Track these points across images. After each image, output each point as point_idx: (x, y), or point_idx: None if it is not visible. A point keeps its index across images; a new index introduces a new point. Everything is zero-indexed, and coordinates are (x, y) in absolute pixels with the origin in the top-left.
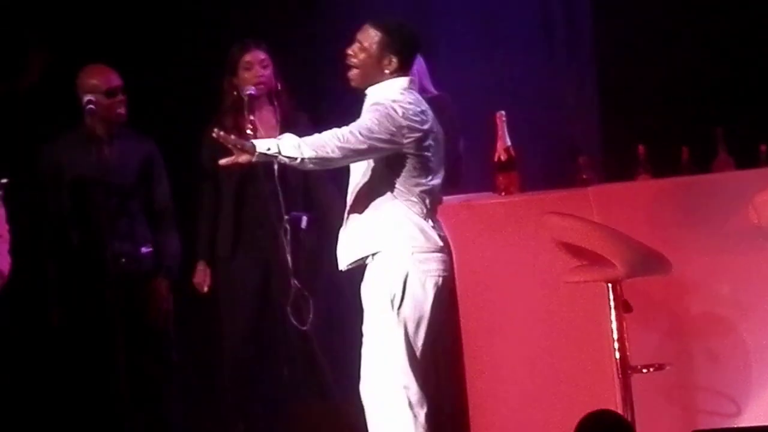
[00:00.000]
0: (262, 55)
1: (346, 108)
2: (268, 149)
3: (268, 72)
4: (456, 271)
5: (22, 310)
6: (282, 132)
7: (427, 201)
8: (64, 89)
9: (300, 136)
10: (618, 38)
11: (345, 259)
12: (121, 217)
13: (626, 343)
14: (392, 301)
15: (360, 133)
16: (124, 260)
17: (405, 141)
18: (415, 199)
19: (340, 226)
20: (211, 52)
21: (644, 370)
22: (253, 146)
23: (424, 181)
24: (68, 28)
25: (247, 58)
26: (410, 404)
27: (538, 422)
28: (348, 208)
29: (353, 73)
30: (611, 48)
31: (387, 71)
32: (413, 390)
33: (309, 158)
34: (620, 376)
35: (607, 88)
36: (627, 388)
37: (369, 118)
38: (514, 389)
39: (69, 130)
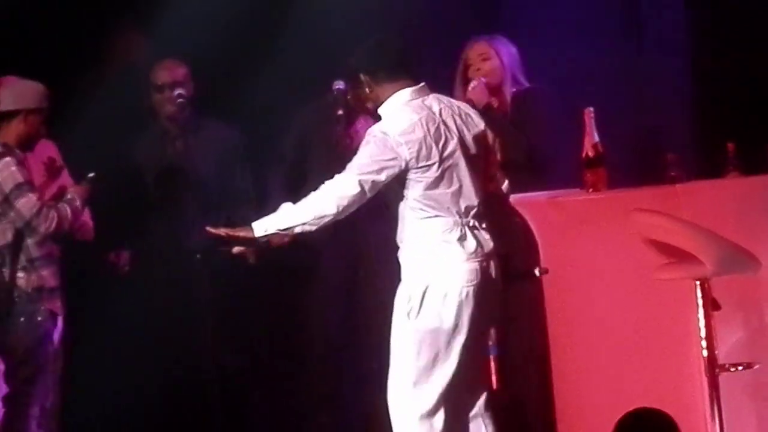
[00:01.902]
0: None
1: None
2: (266, 230)
3: None
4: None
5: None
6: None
7: (454, 208)
8: None
9: None
10: (711, 32)
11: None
12: (196, 211)
13: (714, 342)
14: (409, 313)
15: (349, 176)
16: (198, 256)
17: (408, 157)
18: (434, 210)
19: None
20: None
21: (732, 369)
22: (252, 232)
23: (446, 190)
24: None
25: None
26: (421, 415)
27: None
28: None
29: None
30: (704, 42)
31: (368, 90)
32: (423, 402)
33: (311, 218)
34: (708, 374)
35: (699, 84)
36: (714, 386)
37: (359, 155)
38: (600, 386)
39: (147, 125)
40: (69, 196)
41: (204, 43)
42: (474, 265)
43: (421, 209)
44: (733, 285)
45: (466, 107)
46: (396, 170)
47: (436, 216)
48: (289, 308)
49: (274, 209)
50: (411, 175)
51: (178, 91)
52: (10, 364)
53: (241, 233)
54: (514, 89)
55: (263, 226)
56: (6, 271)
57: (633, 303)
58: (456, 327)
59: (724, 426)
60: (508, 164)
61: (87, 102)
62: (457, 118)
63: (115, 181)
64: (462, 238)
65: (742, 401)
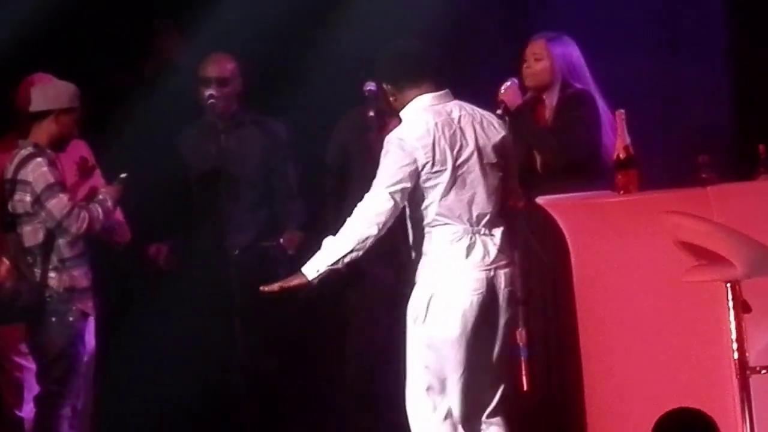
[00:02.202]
0: None
1: None
2: (318, 271)
3: None
4: (574, 267)
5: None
6: None
7: (465, 216)
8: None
9: None
10: (747, 32)
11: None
12: (239, 208)
13: (744, 344)
14: (416, 320)
15: (379, 192)
16: (237, 252)
17: (423, 161)
18: (445, 217)
19: None
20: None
21: (763, 371)
22: (305, 277)
23: (458, 196)
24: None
25: None
26: (436, 420)
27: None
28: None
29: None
30: (739, 43)
31: (391, 98)
32: (438, 407)
33: (356, 245)
34: (738, 376)
35: (733, 86)
36: (745, 388)
37: (382, 166)
38: (631, 388)
39: (194, 120)
40: (101, 197)
41: (252, 38)
42: (480, 274)
43: (433, 216)
44: (764, 287)
45: (490, 116)
46: (416, 174)
47: (446, 224)
48: (328, 308)
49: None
50: (424, 180)
51: (209, 92)
52: (41, 364)
53: (295, 282)
54: (562, 92)
55: (314, 267)
56: (37, 272)
57: (664, 305)
58: (460, 335)
59: (755, 428)
60: (541, 167)
61: (128, 102)
62: (477, 126)
63: (161, 175)
64: (471, 247)
65: None
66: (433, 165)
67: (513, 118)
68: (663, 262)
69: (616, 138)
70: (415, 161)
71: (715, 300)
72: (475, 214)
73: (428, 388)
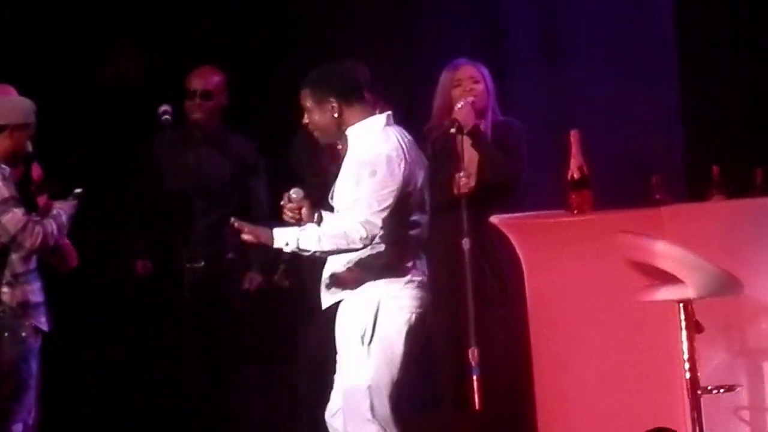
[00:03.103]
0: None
1: None
2: (286, 244)
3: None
4: (527, 286)
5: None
6: None
7: (407, 238)
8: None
9: None
10: (699, 54)
11: (325, 300)
12: (204, 221)
13: (696, 364)
14: (362, 337)
15: (371, 217)
16: (203, 263)
17: (401, 179)
18: (392, 238)
19: None
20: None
21: (714, 391)
22: (272, 239)
23: (406, 218)
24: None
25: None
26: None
27: None
28: None
29: (317, 135)
30: (691, 64)
31: (336, 114)
32: (384, 416)
33: (330, 250)
34: (690, 396)
35: (685, 106)
36: (697, 408)
37: (369, 191)
38: (583, 406)
39: (173, 128)
40: (55, 212)
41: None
42: (420, 293)
43: (387, 235)
44: (716, 307)
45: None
46: (399, 196)
47: (390, 243)
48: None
49: None
50: (397, 201)
51: (164, 108)
52: None
53: (263, 237)
54: (493, 119)
55: (284, 240)
56: None
57: (617, 324)
58: (407, 347)
59: None
60: (491, 186)
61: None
62: (414, 152)
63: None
64: (411, 266)
65: (724, 423)
66: (409, 185)
67: (468, 137)
68: (616, 282)
69: (569, 157)
70: (399, 182)
71: (668, 320)
72: (410, 236)
73: (375, 405)
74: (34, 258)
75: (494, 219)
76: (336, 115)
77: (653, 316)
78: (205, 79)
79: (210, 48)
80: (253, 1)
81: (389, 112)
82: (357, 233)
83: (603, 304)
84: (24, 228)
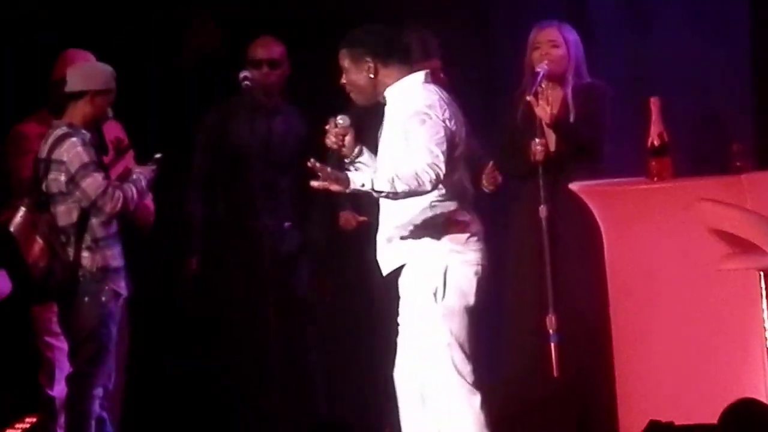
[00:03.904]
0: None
1: None
2: (362, 185)
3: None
4: (607, 254)
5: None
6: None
7: (457, 192)
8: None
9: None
10: None
11: (386, 266)
12: (270, 192)
13: None
14: (435, 294)
15: (435, 159)
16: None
17: (451, 132)
18: (445, 193)
19: None
20: None
21: None
22: (348, 180)
23: (457, 175)
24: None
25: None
26: (467, 391)
27: (687, 409)
28: (382, 211)
29: (353, 96)
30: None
31: (371, 75)
32: (467, 371)
33: (403, 191)
34: None
35: (762, 74)
36: None
37: (425, 137)
38: (662, 374)
39: (233, 98)
40: (135, 177)
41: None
42: (482, 245)
43: (441, 192)
44: None
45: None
46: (450, 145)
47: (450, 200)
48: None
49: None
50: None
51: (245, 73)
52: (73, 344)
53: (341, 178)
54: (578, 82)
55: (360, 181)
56: (71, 251)
57: (696, 292)
58: (477, 301)
59: None
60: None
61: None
62: (453, 107)
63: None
64: (468, 220)
65: None
66: (457, 136)
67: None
68: (696, 250)
69: (649, 124)
70: (449, 129)
71: (749, 288)
72: (459, 191)
73: (457, 360)
74: (114, 222)
75: (573, 186)
76: (371, 76)
77: (734, 285)
78: (271, 49)
79: (267, 17)
80: None
81: (427, 71)
82: (427, 175)
83: (683, 273)
84: (104, 192)
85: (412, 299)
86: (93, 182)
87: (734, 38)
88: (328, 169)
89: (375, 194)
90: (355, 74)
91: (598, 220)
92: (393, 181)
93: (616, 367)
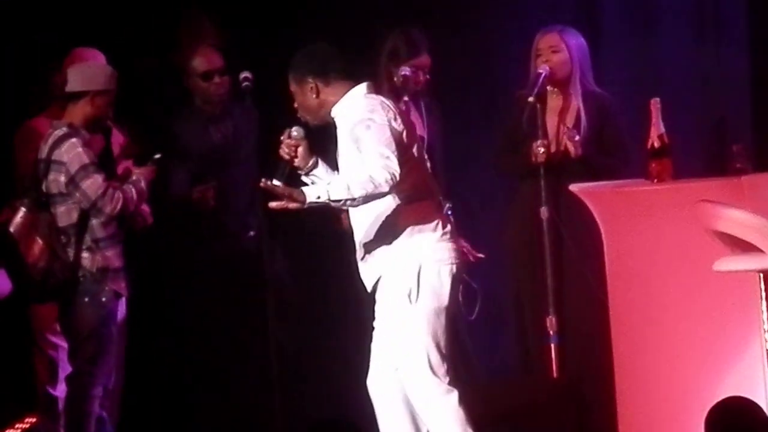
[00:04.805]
0: (427, 61)
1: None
2: (318, 197)
3: (427, 78)
4: (607, 255)
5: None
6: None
7: (421, 193)
8: None
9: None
10: None
11: (368, 282)
12: (243, 190)
13: None
14: (409, 296)
15: (386, 160)
16: (252, 233)
17: (399, 129)
18: (408, 195)
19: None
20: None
21: None
22: (303, 194)
23: (417, 175)
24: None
25: (414, 62)
26: (441, 392)
27: (685, 409)
28: (354, 229)
29: (306, 119)
30: (765, 32)
31: (315, 95)
32: (443, 371)
33: (360, 196)
34: None
35: (760, 76)
36: None
37: (373, 141)
38: (661, 376)
39: (182, 107)
40: (134, 178)
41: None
42: (454, 244)
43: (407, 192)
44: None
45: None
46: (399, 143)
47: (420, 199)
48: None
49: None
50: (401, 152)
51: (245, 74)
52: (73, 344)
53: (295, 194)
54: (583, 89)
55: (315, 193)
56: (71, 251)
57: (696, 294)
58: (452, 299)
59: None
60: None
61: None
62: (399, 110)
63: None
64: (440, 217)
65: None
66: (406, 136)
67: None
68: (696, 251)
69: (649, 126)
70: (396, 128)
71: (748, 290)
72: (426, 189)
73: (433, 361)
74: (114, 223)
75: (574, 188)
76: (314, 96)
77: (733, 286)
78: (214, 57)
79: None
80: None
81: (368, 83)
82: (381, 175)
83: (682, 274)
84: (104, 194)
85: (387, 302)
86: (93, 183)
87: (734, 42)
88: (281, 186)
89: (334, 204)
90: (301, 96)
91: (598, 221)
92: (349, 188)
93: (616, 368)
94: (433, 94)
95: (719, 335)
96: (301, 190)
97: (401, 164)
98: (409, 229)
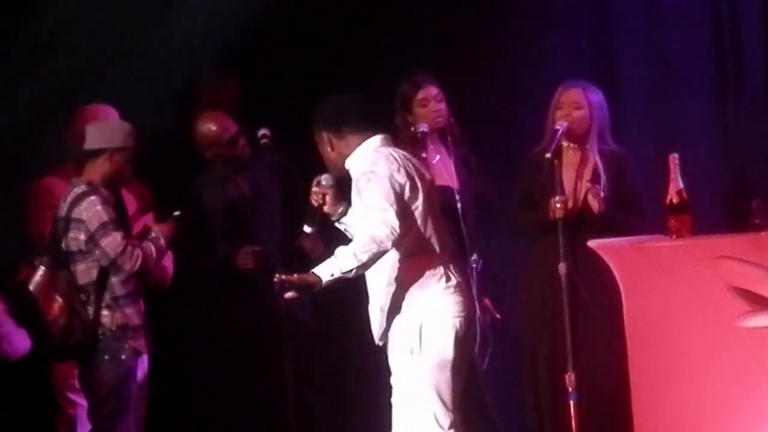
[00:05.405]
0: (435, 90)
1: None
2: (332, 275)
3: (442, 106)
4: (626, 312)
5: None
6: (458, 169)
7: (426, 245)
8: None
9: (468, 174)
10: None
11: (377, 335)
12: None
13: None
14: (411, 352)
15: (385, 213)
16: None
17: (402, 182)
18: (411, 248)
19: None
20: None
21: None
22: (318, 278)
23: (421, 228)
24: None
25: (421, 95)
26: None
27: None
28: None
29: (330, 169)
30: None
31: (330, 149)
32: (448, 423)
33: (369, 259)
34: None
35: None
36: None
37: (373, 194)
38: (682, 431)
39: (201, 172)
40: (153, 235)
41: None
42: (460, 298)
43: (409, 245)
44: None
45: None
46: (399, 198)
47: (421, 253)
48: None
49: None
50: (404, 206)
51: (263, 131)
52: (93, 402)
53: (310, 279)
54: (600, 147)
55: (328, 272)
56: (90, 309)
57: (716, 351)
58: (459, 352)
59: None
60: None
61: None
62: (420, 166)
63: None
64: (446, 273)
65: None
66: (410, 191)
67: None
68: (716, 308)
69: (668, 182)
70: (398, 181)
71: None
72: (437, 244)
73: (437, 413)
74: (133, 280)
75: (592, 244)
76: (330, 149)
77: (753, 343)
78: (230, 122)
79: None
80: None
81: (384, 135)
82: (381, 232)
83: (702, 330)
84: (123, 251)
85: (394, 357)
86: (112, 241)
87: (753, 98)
88: (295, 278)
89: (348, 276)
90: (321, 149)
91: (617, 277)
92: (356, 255)
93: (636, 426)
94: (472, 147)
95: (740, 393)
96: (314, 273)
97: (403, 216)
98: (412, 282)
